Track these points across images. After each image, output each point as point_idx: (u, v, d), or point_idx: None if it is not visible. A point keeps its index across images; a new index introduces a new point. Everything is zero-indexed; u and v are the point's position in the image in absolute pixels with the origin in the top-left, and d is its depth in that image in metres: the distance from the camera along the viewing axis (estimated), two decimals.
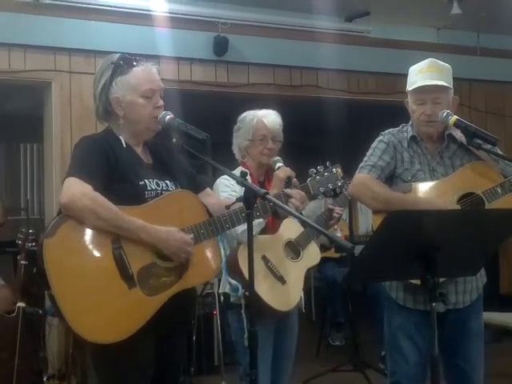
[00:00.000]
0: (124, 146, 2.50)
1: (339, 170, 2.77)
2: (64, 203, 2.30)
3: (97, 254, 2.32)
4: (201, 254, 2.46)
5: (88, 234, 2.31)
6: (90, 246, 2.32)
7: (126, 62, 2.51)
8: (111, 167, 2.41)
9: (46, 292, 2.28)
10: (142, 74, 2.52)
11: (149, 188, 2.45)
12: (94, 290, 2.29)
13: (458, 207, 2.92)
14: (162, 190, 2.49)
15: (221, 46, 5.69)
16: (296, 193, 2.69)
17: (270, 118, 3.28)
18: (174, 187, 2.55)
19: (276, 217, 2.96)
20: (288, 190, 2.70)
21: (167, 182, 2.53)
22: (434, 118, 2.98)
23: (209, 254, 2.49)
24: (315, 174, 2.76)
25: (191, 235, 2.41)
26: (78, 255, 2.30)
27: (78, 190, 2.29)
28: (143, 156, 2.58)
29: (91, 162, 2.39)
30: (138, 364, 2.39)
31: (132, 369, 2.38)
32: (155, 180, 2.49)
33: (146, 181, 2.46)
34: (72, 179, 2.33)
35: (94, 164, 2.38)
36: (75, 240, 2.31)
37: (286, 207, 2.46)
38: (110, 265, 2.31)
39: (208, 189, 2.75)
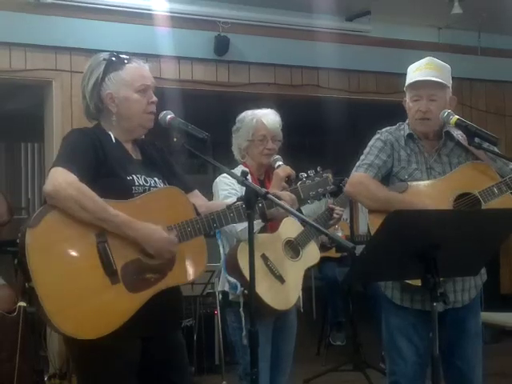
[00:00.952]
0: (113, 141, 2.49)
1: (330, 176, 2.77)
2: (48, 192, 2.27)
3: (80, 246, 2.28)
4: (187, 252, 2.43)
5: (72, 225, 2.26)
6: (74, 238, 2.28)
7: (117, 59, 2.51)
8: (99, 161, 2.39)
9: (26, 284, 2.25)
10: (136, 70, 2.51)
11: (136, 183, 2.43)
12: (75, 284, 2.24)
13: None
14: (150, 186, 2.47)
15: (221, 46, 5.69)
16: (286, 194, 2.68)
17: (269, 117, 3.27)
18: (162, 184, 2.53)
19: (264, 219, 2.96)
20: (278, 192, 2.67)
21: (155, 178, 2.51)
22: (428, 115, 2.98)
23: (195, 252, 2.45)
24: (305, 178, 2.76)
25: (175, 232, 2.39)
26: (61, 247, 2.26)
27: (63, 180, 2.27)
28: (132, 152, 2.56)
29: (79, 153, 2.37)
30: (122, 365, 2.35)
31: (116, 369, 2.35)
32: (143, 176, 2.47)
33: (133, 176, 2.44)
34: (58, 169, 2.30)
35: (82, 156, 2.36)
36: (59, 231, 2.27)
37: (286, 206, 2.45)
38: (94, 259, 2.27)
39: (196, 191, 2.70)
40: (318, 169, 2.79)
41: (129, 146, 2.56)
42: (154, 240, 2.33)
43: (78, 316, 2.23)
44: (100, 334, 2.22)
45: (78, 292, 2.24)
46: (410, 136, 3.07)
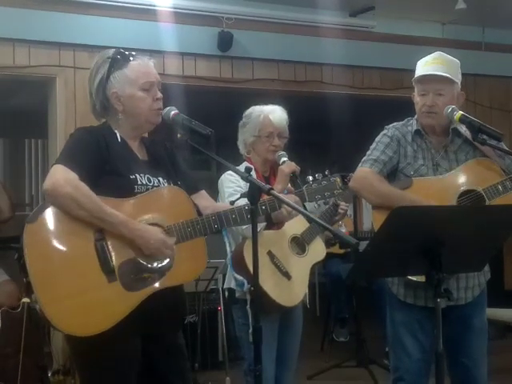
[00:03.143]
0: (119, 140, 2.48)
1: (338, 180, 2.74)
2: (46, 189, 2.27)
3: (78, 243, 2.28)
4: (187, 252, 2.40)
5: (71, 222, 2.27)
6: (72, 235, 2.28)
7: (122, 57, 2.50)
8: (103, 160, 2.38)
9: (24, 279, 2.25)
10: (139, 67, 2.50)
11: (139, 182, 2.42)
12: (71, 280, 2.24)
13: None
14: (153, 185, 2.45)
15: (225, 42, 5.68)
16: (291, 197, 2.66)
17: (276, 114, 3.27)
18: (166, 184, 2.51)
19: (269, 222, 2.95)
20: (282, 195, 2.65)
21: (160, 178, 2.50)
22: (434, 110, 2.97)
23: (195, 253, 2.44)
24: (312, 181, 2.74)
25: (174, 238, 2.37)
26: (58, 242, 2.26)
27: (61, 177, 2.27)
28: (138, 152, 2.55)
29: (81, 152, 2.37)
30: (121, 363, 2.35)
31: (115, 367, 2.35)
32: (147, 175, 2.46)
33: (136, 175, 2.43)
34: (58, 166, 2.31)
35: (84, 155, 2.36)
36: (57, 227, 2.28)
37: (290, 203, 2.44)
38: (91, 256, 2.27)
39: (203, 191, 2.69)
40: (326, 172, 2.77)
41: (135, 145, 2.55)
42: (150, 241, 2.32)
43: (71, 311, 2.22)
44: (92, 331, 2.22)
45: (73, 287, 2.24)
46: (417, 132, 3.05)
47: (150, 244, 2.32)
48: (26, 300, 4.32)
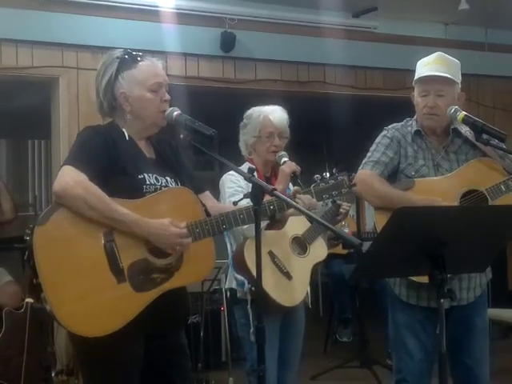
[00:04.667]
0: (127, 138, 2.49)
1: (346, 179, 2.72)
2: (56, 191, 2.28)
3: (87, 244, 2.29)
4: (194, 253, 2.41)
5: (80, 223, 2.28)
6: (81, 237, 2.28)
7: (130, 57, 2.50)
8: (111, 160, 2.38)
9: (33, 280, 2.26)
10: (148, 68, 2.51)
11: (147, 182, 2.42)
12: (81, 281, 2.25)
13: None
14: (161, 185, 2.46)
15: (228, 42, 5.69)
16: (305, 198, 2.66)
17: (276, 114, 3.28)
18: (173, 184, 2.52)
19: (273, 221, 2.95)
20: (299, 196, 2.66)
21: (167, 178, 2.51)
22: (436, 111, 2.97)
23: (203, 253, 2.44)
24: (320, 180, 2.73)
25: (184, 223, 2.37)
26: (68, 244, 2.27)
27: (71, 178, 2.27)
28: (146, 150, 2.56)
29: (90, 152, 2.37)
30: (124, 362, 2.36)
31: (118, 367, 2.35)
32: (155, 175, 2.46)
33: (145, 175, 2.43)
34: (67, 167, 2.31)
35: (93, 155, 2.36)
36: (66, 229, 2.28)
37: (293, 203, 2.44)
38: (101, 257, 2.28)
39: (208, 192, 2.70)
40: (334, 171, 2.76)
41: (142, 144, 2.55)
42: (163, 235, 2.33)
43: (81, 312, 2.24)
44: (101, 332, 2.23)
45: (83, 289, 2.25)
46: (417, 133, 3.06)
47: (163, 238, 2.33)
48: (29, 300, 4.33)
